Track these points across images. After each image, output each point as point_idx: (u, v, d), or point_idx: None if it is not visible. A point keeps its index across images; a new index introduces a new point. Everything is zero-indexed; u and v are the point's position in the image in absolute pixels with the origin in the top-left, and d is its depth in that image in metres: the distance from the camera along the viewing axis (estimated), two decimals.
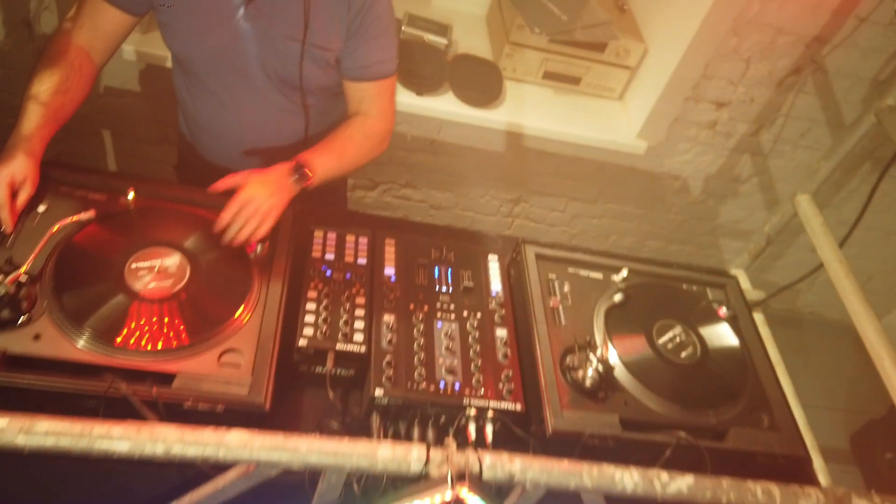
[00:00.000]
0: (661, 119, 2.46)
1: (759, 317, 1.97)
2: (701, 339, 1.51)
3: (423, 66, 2.33)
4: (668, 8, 2.33)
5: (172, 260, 1.31)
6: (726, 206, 2.91)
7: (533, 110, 2.44)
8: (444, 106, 2.34)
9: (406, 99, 2.30)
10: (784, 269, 3.20)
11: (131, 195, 1.37)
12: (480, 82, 2.39)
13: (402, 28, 2.37)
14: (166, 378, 1.15)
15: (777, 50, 2.28)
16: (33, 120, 1.32)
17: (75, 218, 1.30)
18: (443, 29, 2.43)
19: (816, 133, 2.59)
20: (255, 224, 1.37)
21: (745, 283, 2.10)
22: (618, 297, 1.54)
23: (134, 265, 1.27)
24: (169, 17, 1.48)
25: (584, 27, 2.37)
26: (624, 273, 1.60)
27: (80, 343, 1.15)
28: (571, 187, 2.80)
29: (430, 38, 2.40)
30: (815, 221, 1.87)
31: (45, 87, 1.37)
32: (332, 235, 1.51)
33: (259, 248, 1.41)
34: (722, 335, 1.55)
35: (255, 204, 1.37)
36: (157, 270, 1.28)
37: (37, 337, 1.14)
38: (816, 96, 2.46)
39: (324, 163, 1.51)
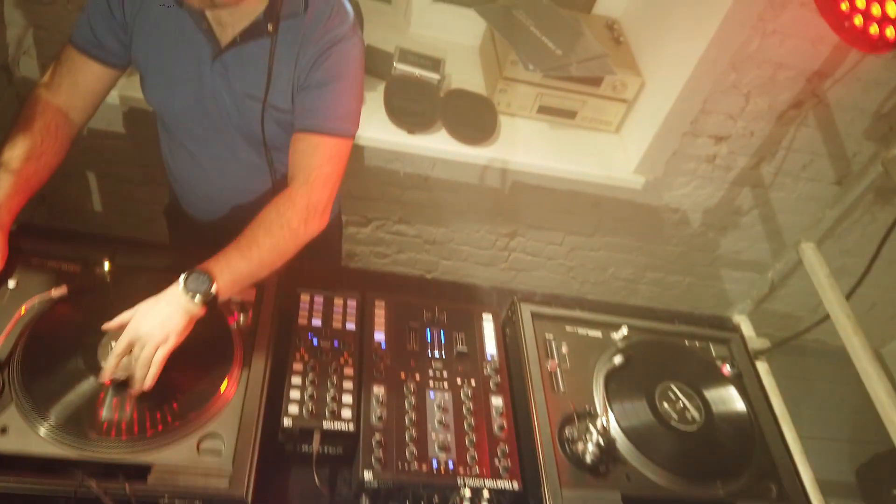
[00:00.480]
0: (658, 154, 2.40)
1: (762, 366, 1.91)
2: (705, 402, 1.45)
3: (416, 103, 2.27)
4: (666, 42, 2.28)
5: None
6: (727, 237, 2.85)
7: (528, 145, 2.38)
8: (438, 144, 2.28)
9: (398, 138, 2.24)
10: (786, 298, 3.15)
11: (107, 265, 1.31)
12: (474, 118, 2.33)
13: (394, 64, 2.32)
14: (142, 470, 1.09)
15: (777, 85, 2.22)
16: (2, 189, 1.26)
17: (45, 296, 1.24)
18: (435, 64, 2.38)
19: (818, 165, 2.54)
20: (145, 364, 1.13)
21: (748, 331, 2.04)
22: (618, 360, 1.47)
23: (108, 345, 1.20)
24: (144, 70, 1.45)
25: (580, 61, 2.31)
26: (624, 331, 1.54)
27: (50, 436, 1.08)
28: (568, 221, 2.74)
29: (422, 73, 2.34)
30: (820, 272, 1.81)
31: (16, 153, 1.30)
32: (319, 299, 1.46)
33: (241, 318, 1.35)
34: (727, 399, 1.49)
35: (143, 341, 1.14)
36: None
37: (3, 431, 1.07)
38: (818, 129, 2.40)
39: (229, 265, 1.24)
